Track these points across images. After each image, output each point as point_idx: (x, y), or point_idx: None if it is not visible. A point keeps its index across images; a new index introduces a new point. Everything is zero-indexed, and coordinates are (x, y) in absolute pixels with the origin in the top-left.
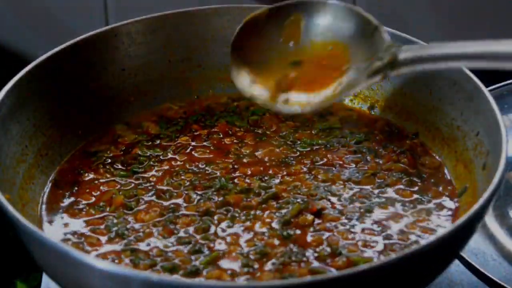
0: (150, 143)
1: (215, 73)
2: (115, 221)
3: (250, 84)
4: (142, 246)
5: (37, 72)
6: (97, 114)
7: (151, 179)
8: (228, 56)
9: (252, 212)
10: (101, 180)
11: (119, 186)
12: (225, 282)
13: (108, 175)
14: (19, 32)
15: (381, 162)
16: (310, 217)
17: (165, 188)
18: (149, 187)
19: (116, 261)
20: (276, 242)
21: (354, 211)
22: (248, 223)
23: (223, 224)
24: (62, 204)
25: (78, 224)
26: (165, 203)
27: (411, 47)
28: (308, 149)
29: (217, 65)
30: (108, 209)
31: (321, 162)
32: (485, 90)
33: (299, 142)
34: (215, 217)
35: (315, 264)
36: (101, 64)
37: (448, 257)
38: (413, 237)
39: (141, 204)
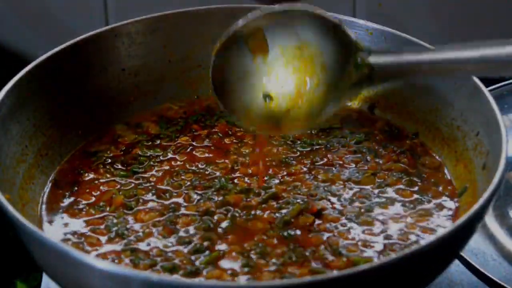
0: (150, 143)
1: None
2: (115, 221)
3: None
4: (142, 246)
5: (37, 72)
6: (97, 114)
7: (151, 179)
8: None
9: (252, 212)
10: (101, 180)
11: (119, 186)
12: (225, 282)
13: (108, 175)
14: (19, 32)
15: (381, 162)
16: (310, 217)
17: (165, 188)
18: (149, 187)
19: (116, 261)
20: (276, 242)
21: (354, 211)
22: (248, 223)
23: (223, 224)
24: (62, 204)
25: (78, 224)
26: (165, 202)
27: (383, 54)
28: (308, 149)
29: None
30: (108, 209)
31: (321, 162)
32: (485, 90)
33: (299, 142)
34: (215, 217)
35: (315, 264)
36: (101, 64)
37: (448, 257)
38: (413, 237)
39: (140, 204)
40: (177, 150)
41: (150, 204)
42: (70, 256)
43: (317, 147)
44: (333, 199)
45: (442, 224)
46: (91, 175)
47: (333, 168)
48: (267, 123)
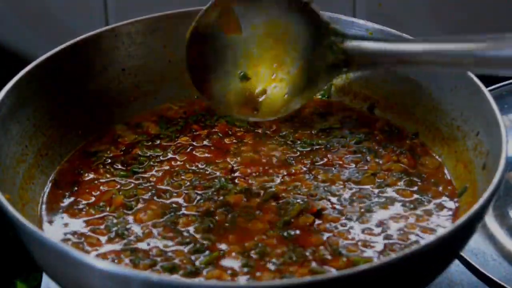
0: (150, 143)
1: None
2: (115, 221)
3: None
4: (142, 246)
5: (37, 72)
6: (97, 114)
7: (151, 179)
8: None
9: (252, 212)
10: (101, 180)
11: (119, 186)
12: (225, 282)
13: (108, 175)
14: (19, 32)
15: (381, 162)
16: (310, 217)
17: (165, 188)
18: (149, 187)
19: (116, 261)
20: (276, 242)
21: (354, 211)
22: (248, 223)
23: (223, 224)
24: (62, 204)
25: (78, 224)
26: (166, 202)
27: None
28: (308, 149)
29: None
30: (108, 209)
31: (321, 162)
32: (485, 90)
33: (299, 142)
34: (215, 217)
35: (315, 264)
36: (101, 64)
37: (448, 257)
38: (413, 237)
39: (140, 204)
40: (177, 150)
41: (150, 204)
42: (70, 256)
43: (317, 147)
44: (333, 199)
45: (442, 224)
46: (91, 175)
47: (333, 168)
48: (246, 106)
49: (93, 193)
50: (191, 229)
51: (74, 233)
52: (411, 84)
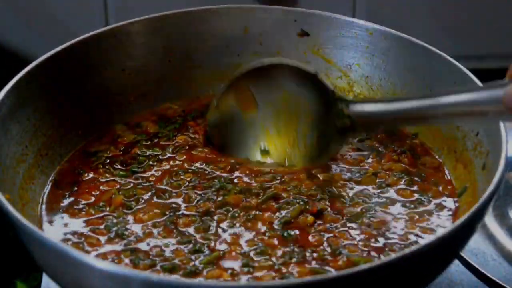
0: (149, 142)
1: (215, 73)
2: (114, 221)
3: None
4: (142, 246)
5: (37, 72)
6: (97, 114)
7: (150, 178)
8: (228, 56)
9: (252, 212)
10: (101, 180)
11: (118, 186)
12: (225, 282)
13: (108, 175)
14: (19, 32)
15: (382, 161)
16: (310, 218)
17: (164, 187)
18: (149, 187)
19: (116, 261)
20: (276, 242)
21: (354, 211)
22: (248, 223)
23: (223, 224)
24: (62, 204)
25: (78, 224)
26: (165, 202)
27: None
28: None
29: (217, 65)
30: (107, 209)
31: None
32: None
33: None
34: (215, 217)
35: (315, 264)
36: (101, 64)
37: (448, 257)
38: (413, 237)
39: (140, 203)
40: (176, 149)
41: (149, 204)
42: (70, 256)
43: None
44: (334, 199)
45: (442, 224)
46: (91, 175)
47: (333, 169)
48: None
49: (93, 193)
50: (191, 229)
51: (74, 233)
52: (411, 84)
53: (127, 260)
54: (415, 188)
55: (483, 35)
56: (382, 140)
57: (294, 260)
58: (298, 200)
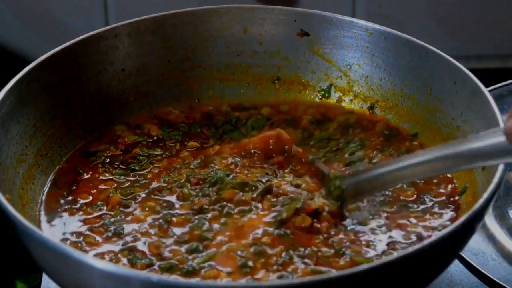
0: (150, 143)
1: (215, 73)
2: (112, 219)
3: None
4: (139, 245)
5: (37, 72)
6: (97, 114)
7: (148, 176)
8: (228, 56)
9: (247, 208)
10: (100, 178)
11: (116, 185)
12: (226, 282)
13: (107, 174)
14: (19, 32)
15: None
16: (307, 218)
17: (161, 185)
18: (145, 184)
19: (114, 260)
20: (273, 241)
21: (354, 211)
22: (243, 219)
23: (218, 222)
24: (60, 203)
25: (76, 224)
26: (161, 199)
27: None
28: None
29: (217, 65)
30: (105, 208)
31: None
32: (485, 90)
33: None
34: (209, 215)
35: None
36: (101, 64)
37: (448, 257)
38: (413, 237)
39: (137, 202)
40: (178, 151)
41: (146, 202)
42: (70, 256)
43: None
44: (333, 200)
45: (442, 224)
46: (90, 174)
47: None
48: None
49: (91, 192)
50: (187, 228)
51: (72, 232)
52: (411, 84)
53: (125, 260)
54: (415, 188)
55: (483, 35)
56: (377, 145)
57: (294, 259)
58: (293, 196)
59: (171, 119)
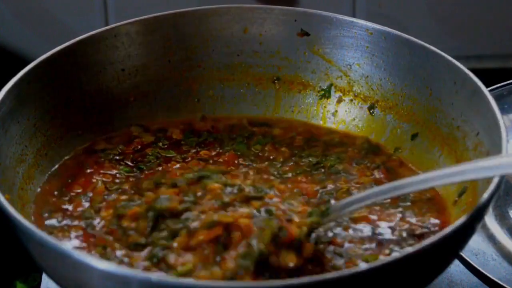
0: (166, 146)
1: (215, 73)
2: (88, 214)
3: None
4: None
5: (37, 72)
6: (96, 114)
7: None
8: (228, 56)
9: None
10: (100, 172)
11: (110, 178)
12: (226, 282)
13: (113, 170)
14: (19, 32)
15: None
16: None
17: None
18: (135, 182)
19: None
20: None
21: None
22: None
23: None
24: (54, 194)
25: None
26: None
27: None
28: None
29: (217, 65)
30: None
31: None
32: (485, 90)
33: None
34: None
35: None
36: (100, 64)
37: (448, 257)
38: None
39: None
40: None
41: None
42: (70, 256)
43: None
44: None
45: (427, 219)
46: (93, 169)
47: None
48: None
49: (84, 183)
50: (133, 224)
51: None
52: (411, 84)
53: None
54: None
55: (483, 35)
56: (353, 158)
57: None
58: (271, 217)
59: (197, 127)
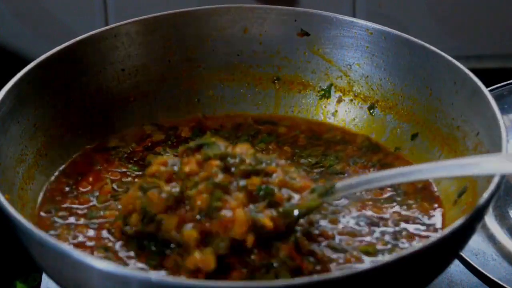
0: (175, 143)
1: (215, 73)
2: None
3: None
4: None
5: (37, 72)
6: (96, 114)
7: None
8: (228, 56)
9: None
10: (109, 169)
11: (119, 177)
12: (225, 282)
13: (123, 168)
14: (19, 32)
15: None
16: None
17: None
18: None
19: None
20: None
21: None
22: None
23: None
24: (64, 191)
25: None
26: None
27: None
28: None
29: (217, 65)
30: (96, 199)
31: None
32: (485, 90)
33: None
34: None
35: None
36: (100, 64)
37: (448, 257)
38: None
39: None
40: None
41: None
42: (70, 256)
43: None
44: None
45: (419, 209)
46: (102, 167)
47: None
48: None
49: (93, 181)
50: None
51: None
52: (411, 84)
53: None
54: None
55: (483, 35)
56: (350, 156)
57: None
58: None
59: (208, 125)
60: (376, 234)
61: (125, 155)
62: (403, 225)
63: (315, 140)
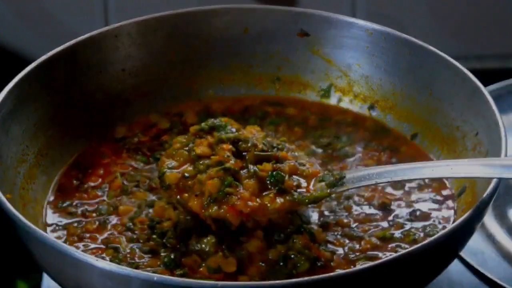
0: (182, 130)
1: (215, 73)
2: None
3: None
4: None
5: (37, 72)
6: (97, 114)
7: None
8: (228, 56)
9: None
10: (117, 162)
11: (129, 169)
12: (225, 282)
13: (130, 160)
14: (19, 32)
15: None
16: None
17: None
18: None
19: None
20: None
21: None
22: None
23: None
24: (73, 183)
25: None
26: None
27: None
28: None
29: (217, 65)
30: (106, 193)
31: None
32: (485, 90)
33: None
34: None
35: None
36: (101, 64)
37: (448, 257)
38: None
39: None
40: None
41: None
42: (71, 255)
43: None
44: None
45: (431, 196)
46: (111, 159)
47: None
48: None
49: (102, 174)
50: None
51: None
52: (411, 84)
53: (107, 259)
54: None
55: (483, 35)
56: (359, 141)
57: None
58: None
59: (213, 108)
60: (390, 218)
61: (133, 147)
62: (416, 205)
63: (326, 122)
